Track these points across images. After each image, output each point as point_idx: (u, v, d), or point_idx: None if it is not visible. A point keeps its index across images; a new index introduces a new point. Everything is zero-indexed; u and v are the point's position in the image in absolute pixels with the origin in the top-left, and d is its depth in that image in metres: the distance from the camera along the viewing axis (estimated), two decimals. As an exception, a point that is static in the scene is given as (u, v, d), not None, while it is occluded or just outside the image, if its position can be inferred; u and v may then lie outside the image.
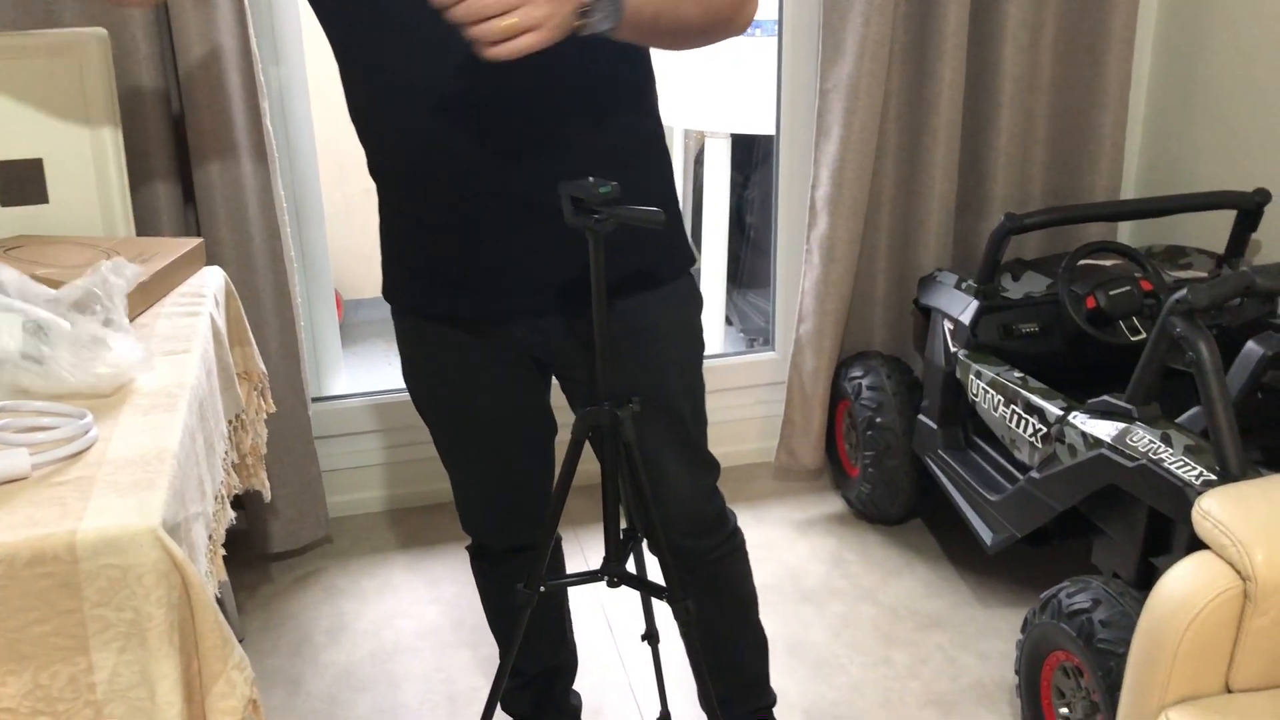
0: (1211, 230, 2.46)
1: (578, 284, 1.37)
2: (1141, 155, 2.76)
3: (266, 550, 2.51)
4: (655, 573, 1.99)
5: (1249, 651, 1.33)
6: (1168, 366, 1.68)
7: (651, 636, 1.68)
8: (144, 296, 1.58)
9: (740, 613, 1.68)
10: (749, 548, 2.17)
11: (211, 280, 1.74)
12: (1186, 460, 1.62)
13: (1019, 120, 2.58)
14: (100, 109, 1.89)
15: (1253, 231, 2.26)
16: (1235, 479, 1.54)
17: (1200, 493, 1.40)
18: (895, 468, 2.46)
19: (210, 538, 1.35)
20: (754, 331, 3.48)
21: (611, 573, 1.38)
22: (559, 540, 1.77)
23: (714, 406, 2.90)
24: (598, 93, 1.33)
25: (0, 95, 1.84)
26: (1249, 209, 2.22)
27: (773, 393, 2.89)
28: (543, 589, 1.36)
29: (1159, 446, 1.66)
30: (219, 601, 2.09)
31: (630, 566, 1.52)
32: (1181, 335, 1.61)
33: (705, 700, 1.40)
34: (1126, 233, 2.82)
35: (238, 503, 2.51)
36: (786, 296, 2.82)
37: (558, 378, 1.50)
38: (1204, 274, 2.29)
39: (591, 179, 1.21)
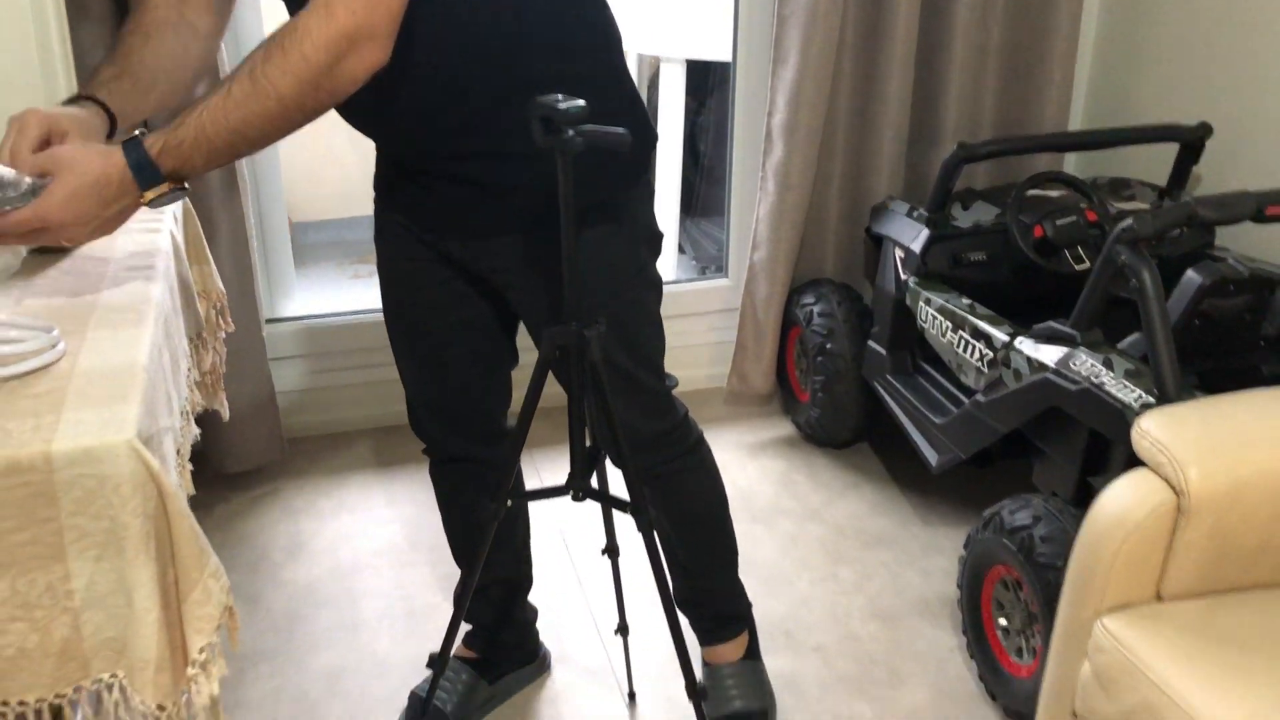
0: (1156, 163, 2.52)
1: (507, 216, 1.42)
2: (1089, 88, 2.81)
3: (222, 470, 2.52)
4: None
5: (1180, 562, 1.41)
6: (1110, 294, 1.74)
7: (612, 550, 1.73)
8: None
9: (699, 523, 1.73)
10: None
11: (170, 197, 1.72)
12: (1127, 384, 1.69)
13: (971, 51, 2.61)
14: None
15: (1194, 164, 2.32)
16: (1172, 401, 1.61)
17: (1139, 414, 1.47)
18: (844, 393, 2.52)
19: (178, 452, 1.36)
20: (706, 259, 3.50)
21: (577, 488, 1.42)
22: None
23: (667, 332, 2.94)
24: (512, 78, 1.36)
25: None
26: (1191, 142, 2.28)
27: (726, 319, 2.93)
28: (510, 504, 1.39)
29: (1101, 370, 1.73)
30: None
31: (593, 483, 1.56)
32: (1126, 263, 1.66)
33: (665, 604, 1.46)
34: (1072, 164, 2.88)
35: (194, 422, 2.51)
36: (741, 224, 2.85)
37: (507, 299, 1.53)
38: (1146, 205, 2.36)
39: (560, 96, 1.22)
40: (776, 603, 2.17)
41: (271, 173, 2.60)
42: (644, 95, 3.58)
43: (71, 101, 1.35)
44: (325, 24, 1.19)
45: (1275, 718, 1.21)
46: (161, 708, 1.13)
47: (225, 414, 1.96)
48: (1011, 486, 2.45)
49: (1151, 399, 1.64)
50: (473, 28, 1.33)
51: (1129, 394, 1.67)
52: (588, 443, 1.44)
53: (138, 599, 1.10)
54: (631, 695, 1.93)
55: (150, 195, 1.23)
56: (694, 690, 1.45)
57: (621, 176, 1.50)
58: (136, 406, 1.11)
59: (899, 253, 2.32)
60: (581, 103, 1.22)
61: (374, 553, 2.34)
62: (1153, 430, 1.43)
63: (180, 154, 1.22)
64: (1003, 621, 1.87)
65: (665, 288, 2.91)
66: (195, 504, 2.45)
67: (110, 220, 1.24)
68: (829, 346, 2.51)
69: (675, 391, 1.67)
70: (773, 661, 2.00)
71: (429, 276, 1.55)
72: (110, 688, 1.15)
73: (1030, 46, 2.66)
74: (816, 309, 2.56)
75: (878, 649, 2.04)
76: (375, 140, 1.48)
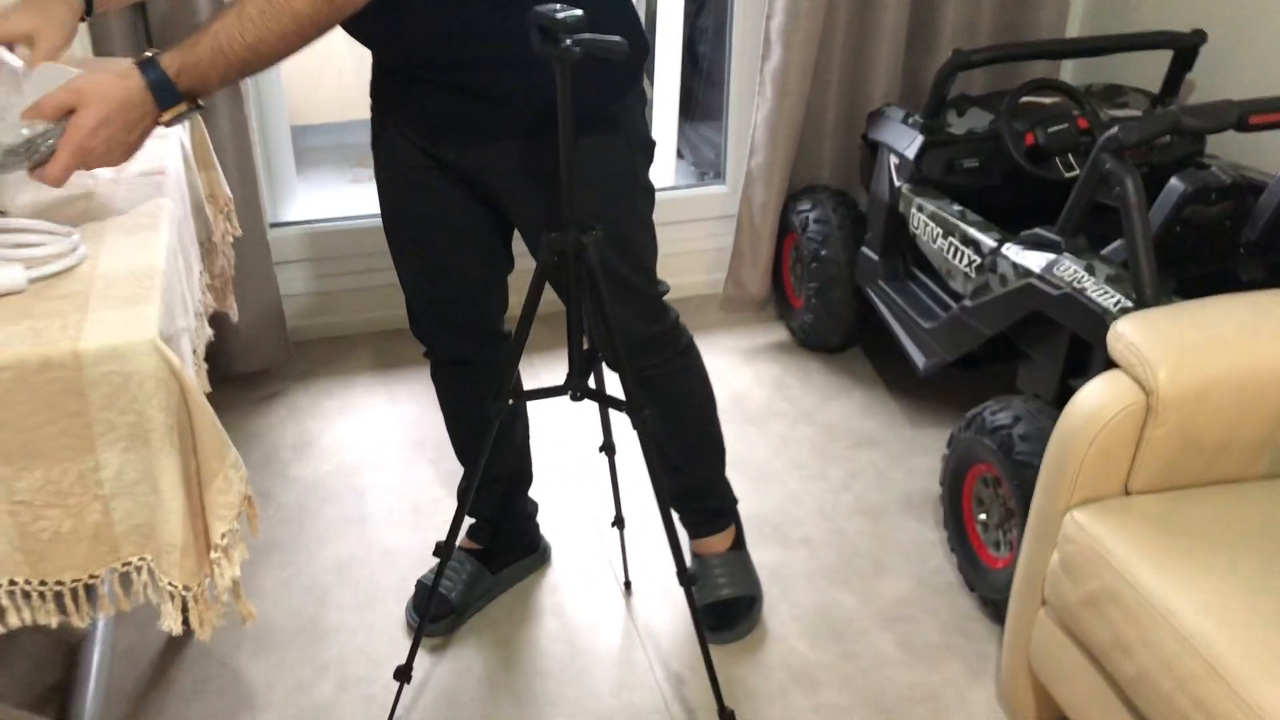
0: (1153, 70, 2.54)
1: (502, 124, 1.46)
2: (1087, -5, 2.81)
3: (231, 371, 2.59)
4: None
5: (1147, 458, 1.48)
6: (1096, 202, 1.79)
7: (608, 448, 1.81)
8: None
9: (687, 422, 1.81)
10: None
11: (175, 103, 1.75)
12: (1107, 289, 1.74)
13: (971, -45, 2.61)
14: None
15: (1188, 71, 2.34)
16: (1150, 306, 1.67)
17: (1117, 319, 1.53)
18: (838, 298, 2.57)
19: (194, 352, 1.42)
20: (705, 165, 3.52)
21: (575, 388, 1.48)
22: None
23: (664, 239, 2.98)
24: None
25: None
26: (1185, 49, 2.30)
27: (723, 225, 2.97)
28: (510, 403, 1.46)
29: (1083, 276, 1.79)
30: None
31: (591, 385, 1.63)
32: (1110, 170, 1.70)
33: (659, 498, 1.54)
34: (1069, 71, 2.89)
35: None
36: (739, 130, 2.87)
37: (503, 205, 1.58)
38: (1138, 112, 2.38)
39: (558, 5, 1.25)
40: (767, 499, 2.26)
41: (273, 77, 2.62)
42: (643, 0, 3.57)
43: None
44: None
45: (1221, 598, 1.30)
46: (187, 588, 1.21)
47: (235, 316, 2.02)
48: (998, 390, 2.52)
49: (1130, 304, 1.70)
50: None
51: (1108, 299, 1.73)
52: (585, 346, 1.50)
53: (164, 487, 1.17)
54: (627, 584, 2.02)
55: (168, 115, 1.27)
56: (685, 577, 1.53)
57: (616, 85, 1.53)
58: (157, 307, 1.17)
59: (893, 159, 2.35)
60: (579, 12, 1.25)
61: (379, 451, 2.42)
62: (1126, 333, 1.49)
63: (197, 73, 1.25)
64: (982, 517, 1.96)
65: (663, 194, 2.97)
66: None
67: (134, 144, 1.29)
68: (823, 253, 2.56)
69: (667, 298, 1.73)
70: (762, 554, 2.09)
71: (426, 183, 1.59)
72: (139, 570, 1.23)
73: (1029, -49, 2.65)
74: (812, 215, 2.60)
75: (862, 542, 2.14)
76: (373, 49, 1.51)
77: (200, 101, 1.30)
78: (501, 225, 1.67)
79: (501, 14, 1.38)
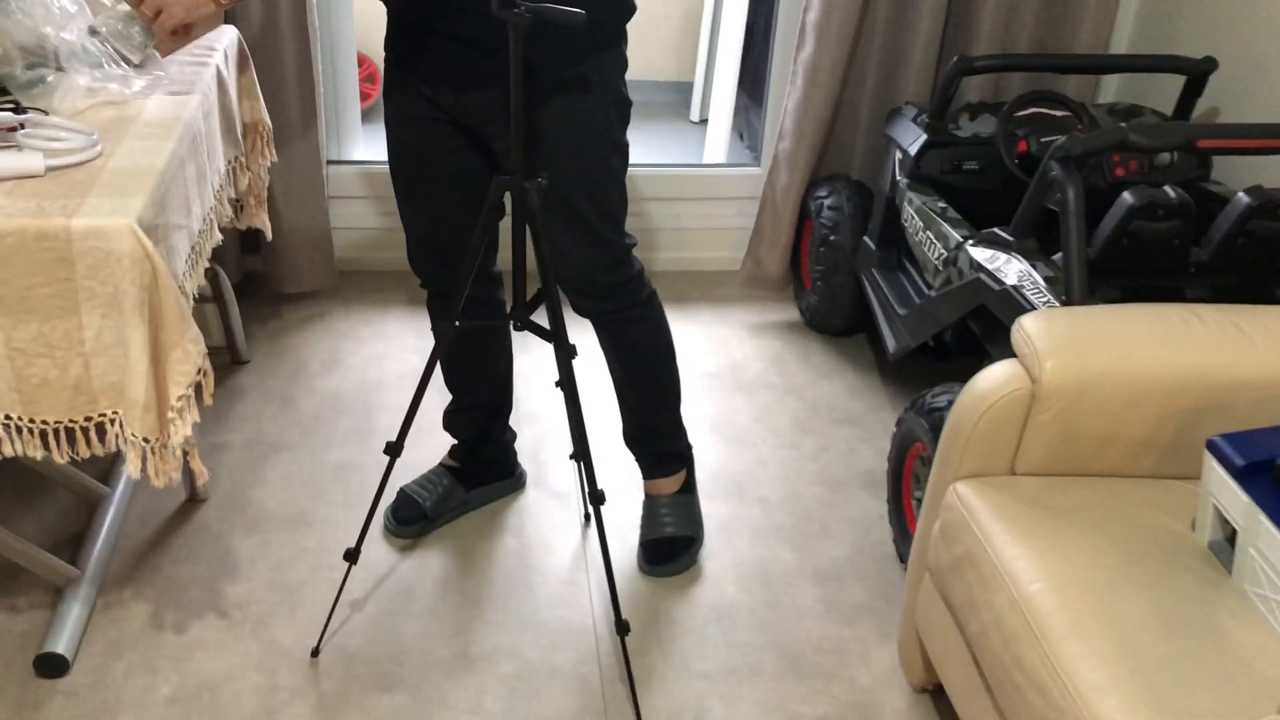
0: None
1: (494, 72, 1.62)
2: (1138, 15, 2.85)
3: (279, 289, 2.85)
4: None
5: (1030, 442, 1.60)
6: (1048, 208, 1.89)
7: (565, 383, 1.98)
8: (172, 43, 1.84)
9: (643, 368, 1.97)
10: (705, 341, 2.46)
11: (225, 36, 1.99)
12: (1043, 289, 1.85)
13: (1011, -34, 2.69)
14: None
15: (1198, 97, 2.39)
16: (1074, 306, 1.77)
17: (1033, 314, 1.63)
18: (841, 283, 2.70)
19: (194, 249, 1.65)
20: (759, 146, 3.65)
21: (517, 318, 1.67)
22: (502, 301, 2.06)
23: (698, 214, 3.16)
24: None
25: None
26: (1195, 75, 2.35)
27: (753, 206, 3.11)
28: (458, 325, 1.65)
29: (1025, 275, 1.89)
30: (223, 318, 2.42)
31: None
32: (1055, 178, 1.81)
33: (574, 429, 1.70)
34: (1114, 88, 2.95)
35: (255, 247, 2.84)
36: (775, 115, 3.01)
37: (493, 149, 1.76)
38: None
39: (516, -25, 1.43)
40: (737, 460, 2.41)
41: (345, 25, 2.85)
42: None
43: None
44: None
45: (1058, 569, 1.42)
46: (147, 440, 1.44)
47: (268, 234, 2.26)
48: (983, 386, 2.62)
49: (1058, 304, 1.80)
50: None
51: (1041, 298, 1.83)
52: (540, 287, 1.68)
53: (132, 351, 1.40)
54: (586, 516, 2.20)
55: None
56: (594, 497, 1.70)
57: (595, 45, 1.69)
58: (144, 199, 1.40)
59: (897, 154, 2.47)
60: (533, -18, 1.42)
61: (397, 375, 2.65)
62: (1027, 326, 1.61)
63: None
64: (918, 494, 2.08)
65: (700, 171, 3.12)
66: (252, 317, 2.81)
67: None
68: (831, 239, 2.68)
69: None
70: (718, 506, 2.25)
71: (428, 130, 1.78)
72: (113, 421, 1.46)
73: (1073, -33, 2.72)
74: (827, 202, 2.73)
75: (815, 508, 2.28)
76: (385, 2, 1.71)
77: None
78: (491, 170, 1.85)
79: None
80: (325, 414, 2.49)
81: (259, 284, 2.89)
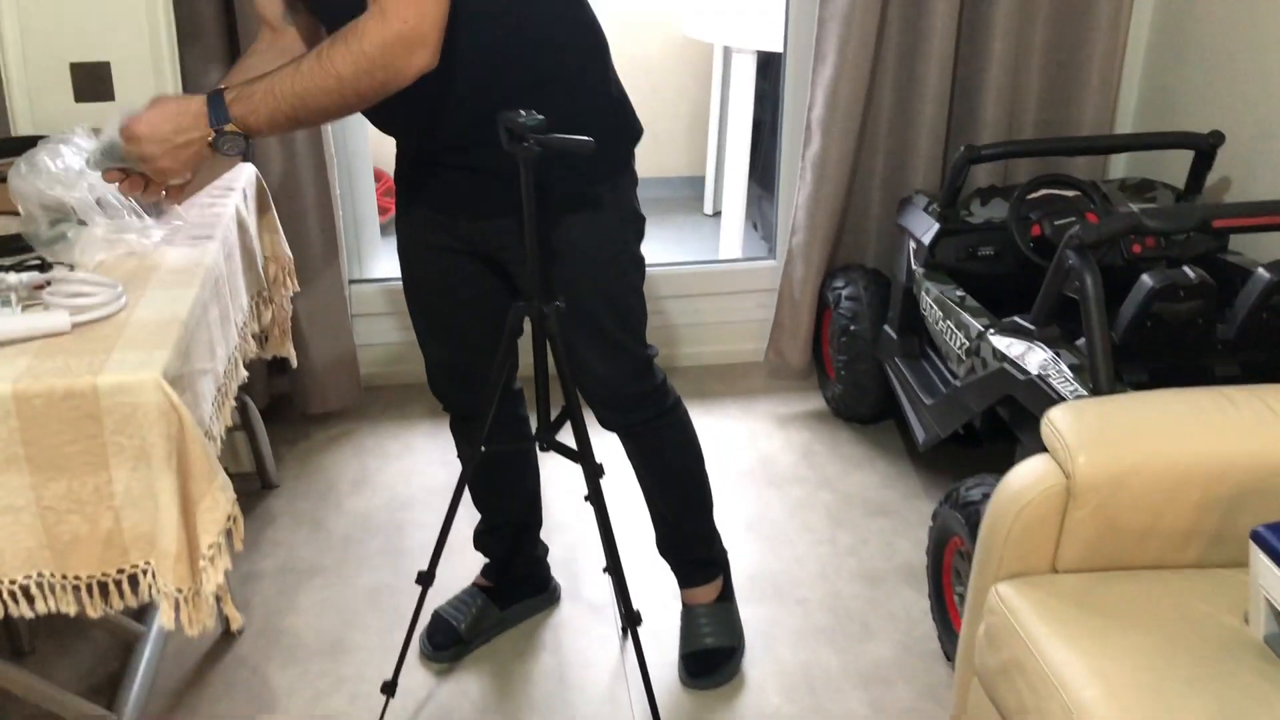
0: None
1: (510, 199, 1.64)
2: (1140, 91, 2.88)
3: (305, 410, 2.86)
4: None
5: (1069, 539, 1.57)
6: (1063, 295, 1.88)
7: (593, 498, 1.97)
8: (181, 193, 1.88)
9: (673, 476, 1.96)
10: (734, 436, 2.45)
11: (242, 174, 2.03)
12: (1069, 378, 1.83)
13: (1011, 51, 2.71)
14: (159, 17, 2.17)
15: (1208, 170, 2.40)
16: (1103, 395, 1.75)
17: (1064, 405, 1.62)
18: (864, 371, 2.69)
19: (220, 390, 1.66)
20: (774, 237, 3.68)
21: (543, 439, 1.66)
22: (525, 416, 2.07)
23: (718, 308, 3.17)
24: (515, 77, 1.58)
25: (77, 5, 2.13)
26: (1204, 150, 2.36)
27: (772, 298, 3.11)
28: (484, 449, 1.65)
29: (1049, 364, 1.88)
30: (252, 444, 2.43)
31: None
32: (1071, 266, 1.81)
33: (606, 547, 1.69)
34: (1122, 165, 2.96)
35: (282, 370, 2.86)
36: (788, 209, 3.03)
37: (511, 273, 1.77)
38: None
39: (523, 112, 1.45)
40: (773, 559, 2.38)
41: (360, 145, 2.91)
42: (720, 82, 3.78)
43: None
44: (381, 27, 1.42)
45: (1111, 673, 1.38)
46: (180, 590, 1.43)
47: (293, 361, 2.28)
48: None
49: (1085, 392, 1.78)
50: (495, 31, 1.55)
51: (1067, 387, 1.82)
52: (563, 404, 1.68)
53: (162, 503, 1.40)
54: (624, 630, 2.17)
55: (213, 133, 1.46)
56: (629, 618, 1.68)
57: (608, 167, 1.72)
58: (169, 351, 1.41)
59: (912, 244, 2.47)
60: (540, 118, 1.45)
61: (427, 491, 2.64)
62: (1056, 419, 1.59)
63: (249, 104, 1.46)
64: (959, 589, 2.04)
65: (717, 266, 3.14)
66: (279, 439, 2.82)
67: (180, 149, 1.47)
68: (852, 328, 2.68)
69: (685, 368, 1.89)
70: (757, 609, 2.22)
71: (445, 258, 1.79)
72: (145, 572, 1.46)
73: (1073, 47, 2.75)
74: (845, 293, 2.73)
75: (856, 606, 2.24)
76: (394, 134, 1.74)
77: (250, 140, 1.49)
78: (510, 293, 1.87)
79: (508, 103, 1.56)
80: (356, 535, 2.49)
81: (286, 405, 2.91)
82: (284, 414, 2.92)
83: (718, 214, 4.11)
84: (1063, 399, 1.81)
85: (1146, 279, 1.84)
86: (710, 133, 4.04)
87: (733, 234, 3.66)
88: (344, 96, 1.46)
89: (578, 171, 1.66)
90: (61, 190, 1.57)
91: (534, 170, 1.49)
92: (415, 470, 2.73)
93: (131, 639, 2.10)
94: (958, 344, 2.19)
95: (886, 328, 2.59)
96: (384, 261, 3.14)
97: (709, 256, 3.76)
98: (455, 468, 2.72)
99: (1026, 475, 1.58)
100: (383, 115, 1.66)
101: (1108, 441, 1.54)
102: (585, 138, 1.48)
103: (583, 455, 1.62)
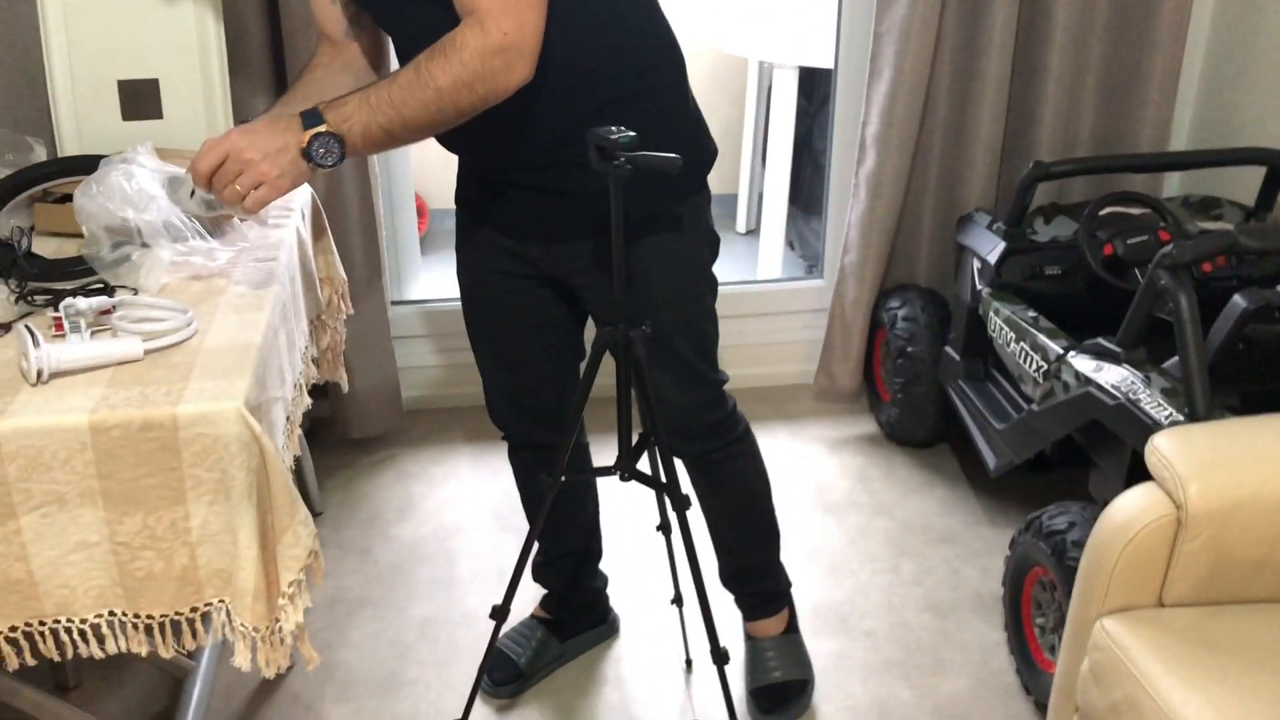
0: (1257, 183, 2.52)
1: (585, 222, 1.58)
2: (1196, 108, 2.83)
3: (347, 436, 2.80)
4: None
5: (1180, 571, 1.51)
6: (1153, 316, 1.82)
7: (665, 528, 1.91)
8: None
9: (743, 506, 1.90)
10: (786, 461, 2.39)
11: (300, 196, 1.98)
12: (1161, 402, 1.77)
13: (1069, 68, 2.66)
14: (209, 35, 2.12)
15: (1280, 187, 2.34)
16: (1201, 420, 1.69)
17: (1162, 431, 1.56)
18: (922, 394, 2.63)
19: (288, 419, 1.60)
20: (812, 257, 3.63)
21: (624, 469, 1.60)
22: (586, 444, 2.00)
23: (763, 329, 3.11)
24: (599, 94, 1.53)
25: (126, 22, 2.08)
26: (1277, 165, 2.30)
27: (820, 318, 3.05)
28: (564, 479, 1.59)
29: (1139, 387, 1.81)
30: (296, 471, 2.38)
31: (647, 467, 1.75)
32: (1164, 287, 1.74)
33: (695, 582, 1.63)
34: (1176, 182, 2.90)
35: (322, 393, 2.80)
36: (837, 228, 2.97)
37: (580, 298, 1.71)
38: (1230, 225, 2.38)
39: (614, 129, 1.40)
40: (836, 589, 2.31)
41: (402, 167, 2.86)
42: (764, 98, 3.73)
43: None
44: (481, 38, 1.37)
45: (1239, 712, 1.31)
46: (256, 630, 1.37)
47: (345, 386, 2.22)
48: (1082, 494, 2.52)
49: (1181, 418, 1.72)
50: (582, 47, 1.50)
51: (1161, 411, 1.75)
52: (640, 430, 1.62)
53: (241, 538, 1.34)
54: (688, 663, 2.10)
55: (308, 136, 1.38)
56: (717, 655, 1.61)
57: (686, 187, 1.66)
58: (248, 379, 1.35)
59: (976, 263, 2.41)
60: (631, 134, 1.39)
61: (475, 518, 2.58)
62: (1162, 447, 1.52)
63: (342, 111, 1.39)
64: (1040, 620, 1.97)
65: (763, 286, 3.09)
66: (322, 465, 2.75)
67: (276, 155, 1.39)
68: (909, 350, 2.62)
69: (731, 390, 1.83)
70: (825, 642, 2.15)
71: (510, 284, 1.73)
72: (219, 610, 1.39)
73: (1130, 65, 2.69)
74: (901, 313, 2.67)
75: (926, 638, 2.17)
76: (463, 154, 1.68)
77: (343, 146, 1.40)
78: (577, 317, 1.81)
79: (588, 121, 1.51)
80: (405, 564, 2.42)
81: (326, 430, 2.85)
82: (324, 439, 2.85)
83: (750, 232, 4.05)
84: (1157, 424, 1.75)
85: (1239, 300, 1.78)
86: (744, 150, 3.98)
87: (772, 254, 3.60)
88: (442, 110, 1.41)
89: (660, 192, 1.60)
90: (132, 213, 1.52)
91: (623, 190, 1.43)
92: (461, 497, 2.66)
93: (180, 674, 2.03)
94: (1033, 366, 2.12)
95: (948, 349, 2.52)
96: (423, 283, 3.08)
97: (743, 276, 3.70)
98: (502, 494, 2.66)
99: (1133, 505, 1.51)
100: (460, 132, 1.60)
101: (1220, 469, 1.48)
102: (673, 155, 1.42)
103: (670, 485, 1.55)
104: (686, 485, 2.11)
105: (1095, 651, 1.51)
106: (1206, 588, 1.52)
